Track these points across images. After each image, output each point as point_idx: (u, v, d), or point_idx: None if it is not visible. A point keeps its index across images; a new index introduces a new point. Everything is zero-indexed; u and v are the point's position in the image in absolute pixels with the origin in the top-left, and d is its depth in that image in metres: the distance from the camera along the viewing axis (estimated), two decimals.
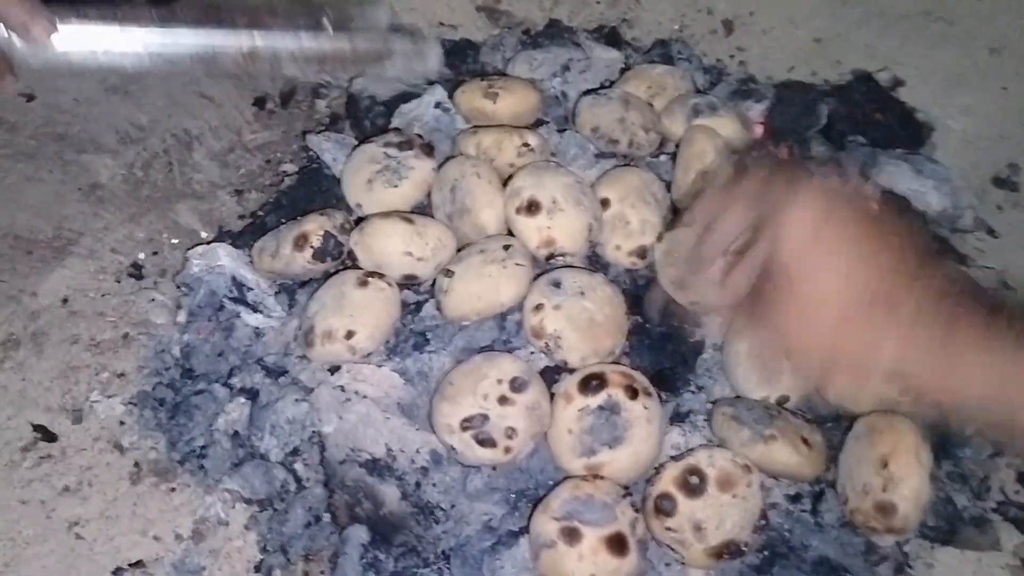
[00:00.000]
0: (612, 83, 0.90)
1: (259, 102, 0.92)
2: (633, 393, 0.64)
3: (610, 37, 1.00)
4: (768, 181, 0.55)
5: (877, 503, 0.63)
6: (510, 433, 0.63)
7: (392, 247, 0.70)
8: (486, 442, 0.63)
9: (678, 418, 0.70)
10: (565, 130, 0.83)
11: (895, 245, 0.51)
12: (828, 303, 0.51)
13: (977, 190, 0.94)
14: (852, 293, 0.51)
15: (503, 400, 0.64)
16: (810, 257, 0.51)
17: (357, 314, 0.67)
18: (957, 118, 1.00)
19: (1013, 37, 1.08)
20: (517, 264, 0.69)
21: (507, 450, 0.63)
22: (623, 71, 0.92)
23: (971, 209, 0.88)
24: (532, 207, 0.71)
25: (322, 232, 0.71)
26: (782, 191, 0.53)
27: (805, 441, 0.64)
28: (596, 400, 0.64)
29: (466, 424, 0.63)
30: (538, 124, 0.84)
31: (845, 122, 0.90)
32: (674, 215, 0.75)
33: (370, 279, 0.69)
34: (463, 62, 0.94)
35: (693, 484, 0.62)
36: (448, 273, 0.69)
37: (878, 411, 0.67)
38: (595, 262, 0.76)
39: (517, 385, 0.64)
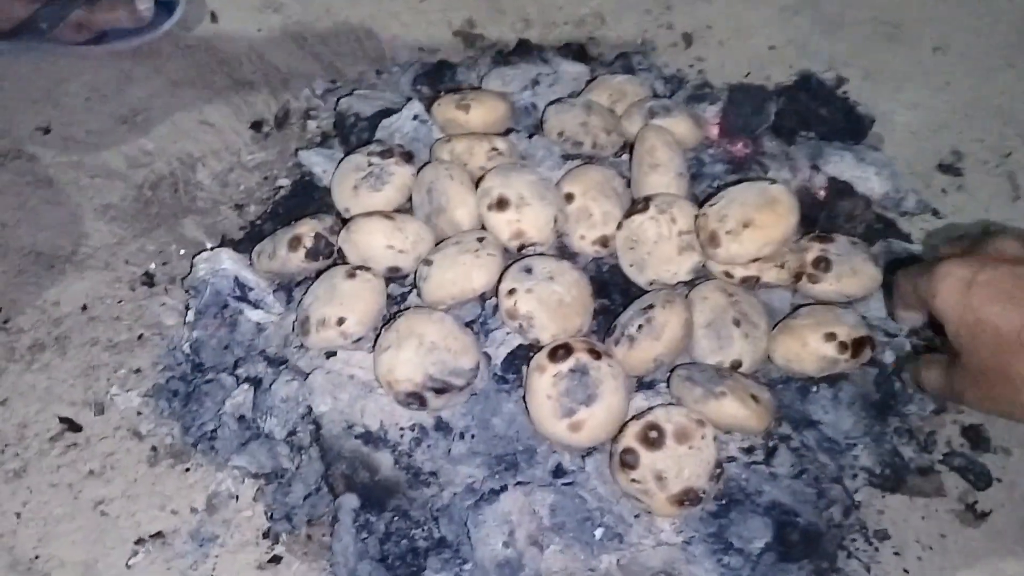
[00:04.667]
0: (578, 94, 0.98)
1: (256, 125, 1.00)
2: (597, 355, 0.71)
3: (577, 53, 1.08)
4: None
5: None
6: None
7: (375, 242, 0.77)
8: None
9: (643, 386, 0.76)
10: (534, 135, 0.91)
11: None
12: (990, 356, 0.58)
13: (923, 176, 1.01)
14: (1011, 339, 0.56)
15: None
16: (963, 314, 0.59)
17: (347, 302, 0.74)
18: (903, 112, 1.07)
19: (956, 36, 1.16)
20: (488, 254, 0.76)
21: None
22: (588, 83, 1.00)
23: (913, 192, 0.95)
24: (501, 203, 0.78)
25: (313, 233, 0.79)
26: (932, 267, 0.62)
27: (754, 397, 0.71)
28: (566, 365, 0.70)
29: None
30: (509, 132, 0.91)
31: (793, 119, 0.97)
32: (632, 205, 0.82)
33: (357, 271, 0.76)
34: (440, 81, 1.03)
35: (653, 438, 0.68)
36: (427, 262, 0.76)
37: None
38: (563, 251, 0.83)
39: None
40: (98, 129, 0.99)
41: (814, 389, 0.77)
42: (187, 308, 0.83)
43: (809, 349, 0.74)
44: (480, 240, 0.77)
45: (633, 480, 0.69)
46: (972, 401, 0.65)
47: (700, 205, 0.79)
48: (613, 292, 0.82)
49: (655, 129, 0.85)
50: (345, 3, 1.14)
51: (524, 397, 0.73)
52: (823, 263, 0.80)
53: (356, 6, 1.13)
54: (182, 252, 0.90)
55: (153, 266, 0.89)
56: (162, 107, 1.02)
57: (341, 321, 0.74)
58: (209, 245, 0.89)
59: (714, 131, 0.96)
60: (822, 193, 0.92)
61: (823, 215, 0.89)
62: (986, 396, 0.60)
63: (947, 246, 0.68)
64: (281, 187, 0.94)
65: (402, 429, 0.73)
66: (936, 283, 0.60)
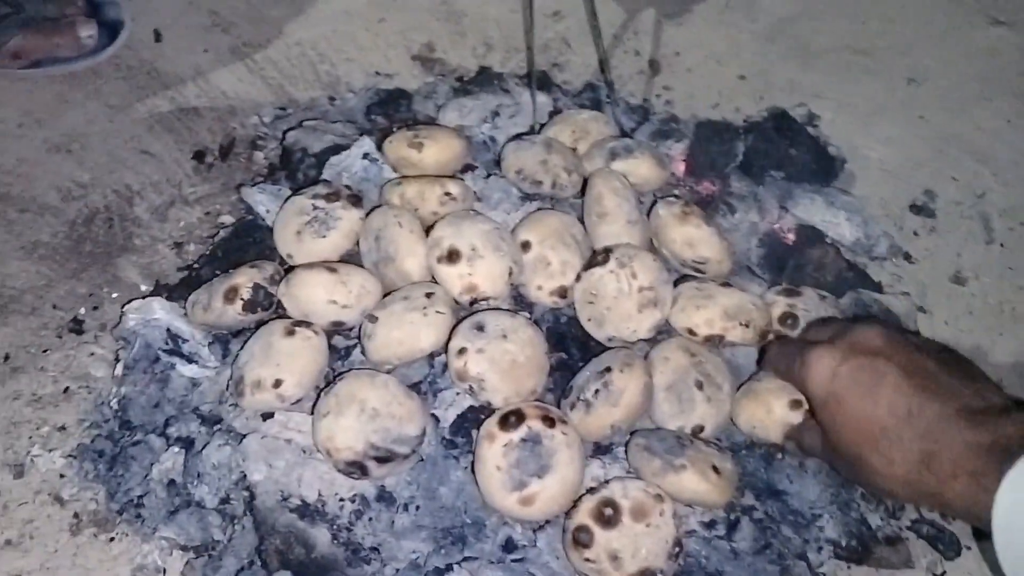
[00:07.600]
0: (541, 127, 0.93)
1: (198, 155, 0.95)
2: (551, 422, 0.67)
3: (540, 82, 1.04)
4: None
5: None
6: None
7: (316, 296, 0.72)
8: None
9: (600, 451, 0.72)
10: (491, 175, 0.86)
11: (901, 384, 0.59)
12: (848, 440, 0.61)
13: (895, 217, 0.98)
14: (865, 429, 0.60)
15: None
16: (827, 400, 0.62)
17: (284, 363, 0.70)
18: (876, 148, 1.04)
19: (930, 67, 1.14)
20: (438, 312, 0.71)
21: None
22: (552, 114, 0.96)
23: (884, 237, 0.91)
24: (452, 256, 0.74)
25: (251, 284, 0.74)
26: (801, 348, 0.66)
27: (715, 469, 0.67)
28: (518, 434, 0.66)
29: None
30: (467, 169, 0.87)
31: (762, 158, 0.93)
32: (592, 256, 0.77)
33: (297, 328, 0.71)
34: (396, 111, 0.98)
35: (608, 515, 0.65)
36: (372, 319, 0.71)
37: None
38: (519, 302, 0.79)
39: None
40: (30, 158, 0.93)
41: (779, 456, 0.74)
42: (117, 359, 0.78)
43: (774, 416, 0.70)
44: (428, 296, 0.73)
45: (587, 559, 0.65)
46: (841, 471, 0.67)
47: None
48: (571, 346, 0.78)
49: (603, 175, 0.81)
50: (299, 24, 1.08)
51: (473, 465, 0.69)
52: (790, 319, 0.77)
53: (310, 27, 1.08)
54: (114, 295, 0.84)
55: (83, 311, 0.83)
56: (99, 134, 0.96)
57: (278, 383, 0.69)
58: (144, 288, 0.84)
59: (680, 169, 0.92)
60: (791, 238, 0.88)
61: (791, 263, 0.85)
62: (849, 472, 0.64)
63: (814, 330, 0.72)
64: (223, 224, 0.89)
65: (342, 500, 0.69)
66: (804, 369, 0.64)
